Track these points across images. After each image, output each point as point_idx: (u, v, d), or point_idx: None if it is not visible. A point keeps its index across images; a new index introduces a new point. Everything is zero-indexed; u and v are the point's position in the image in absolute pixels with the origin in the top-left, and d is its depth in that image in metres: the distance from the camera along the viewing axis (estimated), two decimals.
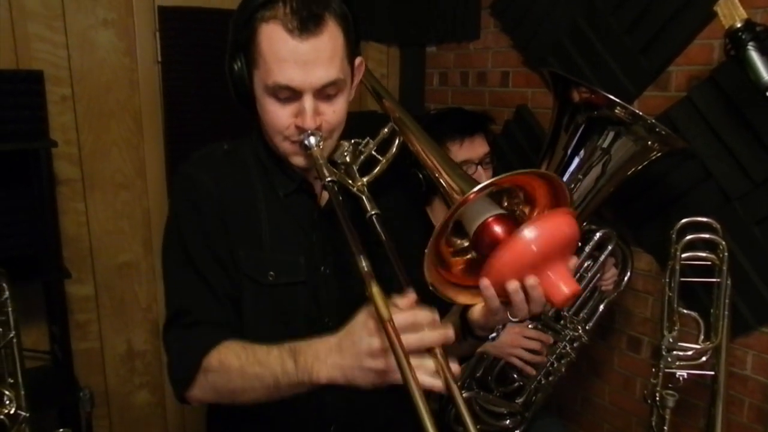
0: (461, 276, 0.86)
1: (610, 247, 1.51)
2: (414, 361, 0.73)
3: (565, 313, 1.54)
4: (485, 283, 0.80)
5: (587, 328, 1.57)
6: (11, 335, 1.32)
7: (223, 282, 0.99)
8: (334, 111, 0.96)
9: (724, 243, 1.45)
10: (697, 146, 1.62)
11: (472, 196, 0.76)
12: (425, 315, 0.78)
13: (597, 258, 1.52)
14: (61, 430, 1.29)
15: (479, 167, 1.53)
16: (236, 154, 1.07)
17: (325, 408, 1.06)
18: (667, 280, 1.48)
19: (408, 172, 1.29)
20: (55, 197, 1.90)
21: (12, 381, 1.33)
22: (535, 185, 0.81)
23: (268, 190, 1.04)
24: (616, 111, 1.32)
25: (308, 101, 0.92)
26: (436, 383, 0.75)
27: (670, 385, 1.53)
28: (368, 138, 1.01)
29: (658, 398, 1.52)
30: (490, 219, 0.81)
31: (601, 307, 1.59)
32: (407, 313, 0.77)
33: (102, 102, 2.00)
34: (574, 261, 0.81)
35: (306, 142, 0.94)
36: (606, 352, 2.03)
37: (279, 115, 0.95)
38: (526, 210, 0.85)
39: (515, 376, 1.56)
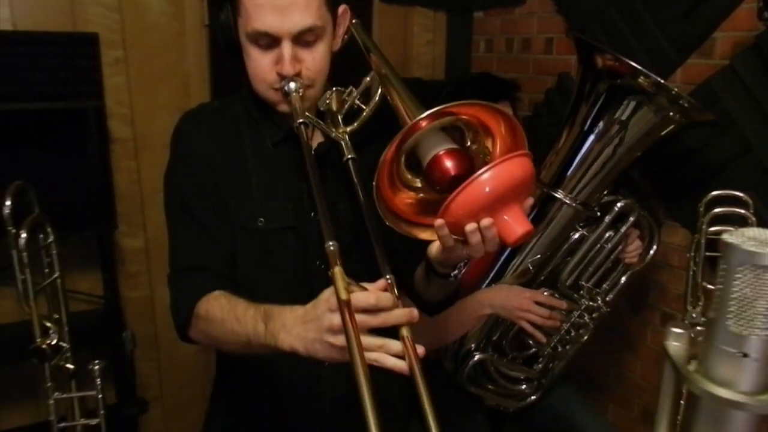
0: (416, 212, 0.87)
1: (632, 219, 1.48)
2: (378, 341, 0.76)
3: (584, 283, 1.53)
4: (439, 222, 0.82)
5: (607, 299, 1.55)
6: (55, 275, 1.45)
7: (220, 228, 1.05)
8: (314, 58, 0.99)
9: (754, 218, 1.39)
10: (739, 117, 1.54)
11: (422, 121, 0.77)
12: (387, 297, 0.78)
13: (619, 229, 1.49)
14: (96, 362, 1.41)
15: None
16: (225, 108, 1.12)
17: (321, 380, 1.12)
18: (692, 254, 1.44)
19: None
20: (108, 155, 2.04)
21: (57, 317, 1.46)
22: (492, 123, 0.81)
23: (257, 141, 1.08)
24: (640, 80, 1.29)
25: (286, 47, 0.96)
26: (399, 364, 0.75)
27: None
28: (351, 87, 1.02)
29: None
30: (441, 152, 0.82)
31: (623, 279, 1.56)
32: (368, 294, 0.77)
33: (152, 65, 2.10)
34: (529, 201, 0.82)
35: (286, 88, 0.97)
36: (639, 328, 2.00)
37: (261, 63, 0.99)
38: (489, 146, 0.85)
39: (530, 342, 1.57)
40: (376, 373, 0.87)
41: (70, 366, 1.43)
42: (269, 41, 0.96)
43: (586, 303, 1.51)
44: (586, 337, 1.57)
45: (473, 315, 1.50)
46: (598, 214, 1.46)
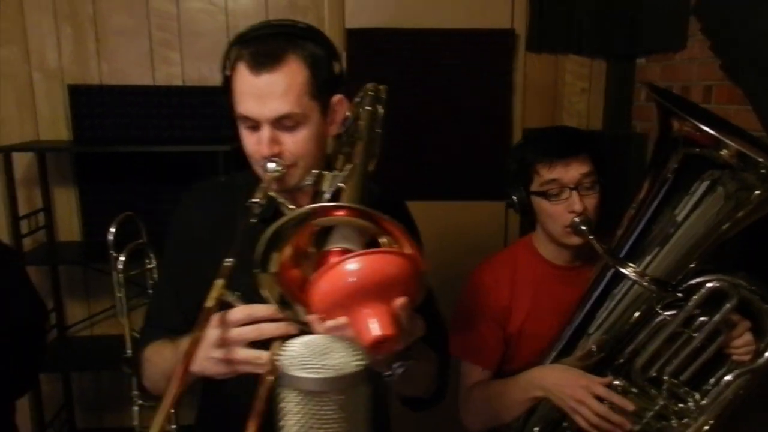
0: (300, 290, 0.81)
1: (728, 305, 1.18)
2: (252, 353, 0.83)
3: (670, 379, 1.25)
4: (311, 318, 0.79)
5: (702, 402, 1.25)
6: None
7: (189, 299, 1.07)
8: (294, 141, 1.02)
9: None
10: None
11: (336, 210, 0.76)
12: (262, 309, 0.83)
13: (717, 317, 1.20)
14: None
15: (574, 192, 1.34)
16: (230, 183, 1.20)
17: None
18: None
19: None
20: None
21: None
22: (390, 227, 0.77)
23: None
24: (723, 152, 1.06)
25: (265, 130, 1.00)
26: (258, 370, 0.80)
27: None
28: (336, 171, 0.99)
29: None
30: (335, 249, 0.78)
31: (729, 377, 1.25)
32: (242, 306, 0.84)
33: None
34: (400, 301, 0.73)
35: (265, 167, 1.01)
36: None
37: (248, 142, 1.04)
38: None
39: None
40: None
41: None
42: (253, 123, 1.02)
43: (664, 402, 1.24)
44: None
45: (524, 396, 1.33)
46: (679, 295, 1.20)
